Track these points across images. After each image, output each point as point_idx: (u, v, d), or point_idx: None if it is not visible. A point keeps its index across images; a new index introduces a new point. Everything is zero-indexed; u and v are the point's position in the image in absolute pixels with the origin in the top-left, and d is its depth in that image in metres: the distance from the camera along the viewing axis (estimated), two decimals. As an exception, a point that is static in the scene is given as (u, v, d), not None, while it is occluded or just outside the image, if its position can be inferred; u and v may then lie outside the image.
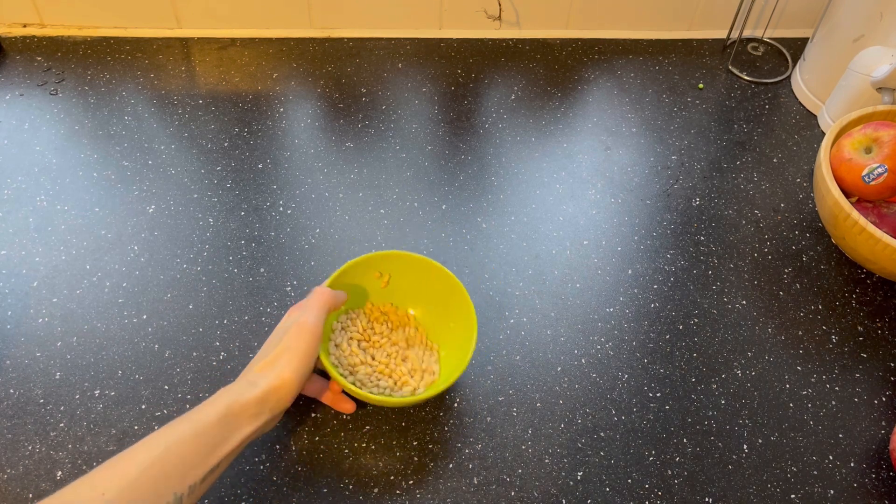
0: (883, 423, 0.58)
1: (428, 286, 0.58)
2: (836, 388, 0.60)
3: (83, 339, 0.59)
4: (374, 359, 0.57)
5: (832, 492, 0.54)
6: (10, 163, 0.72)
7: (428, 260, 0.58)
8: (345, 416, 0.56)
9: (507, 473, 0.54)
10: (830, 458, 0.56)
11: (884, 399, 0.60)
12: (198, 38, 0.87)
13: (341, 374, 0.54)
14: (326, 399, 0.55)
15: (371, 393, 0.53)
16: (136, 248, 0.66)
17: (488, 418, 0.57)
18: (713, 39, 0.92)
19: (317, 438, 0.55)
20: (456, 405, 0.57)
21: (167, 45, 0.86)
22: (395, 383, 0.55)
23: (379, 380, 0.55)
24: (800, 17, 0.93)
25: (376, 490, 0.52)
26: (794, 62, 0.89)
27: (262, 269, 0.65)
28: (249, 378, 0.47)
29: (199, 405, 0.45)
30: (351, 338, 0.57)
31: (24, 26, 0.86)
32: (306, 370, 0.48)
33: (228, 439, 0.44)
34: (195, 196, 0.70)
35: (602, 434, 0.56)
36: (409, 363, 0.57)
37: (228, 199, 0.70)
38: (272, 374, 0.46)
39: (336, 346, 0.56)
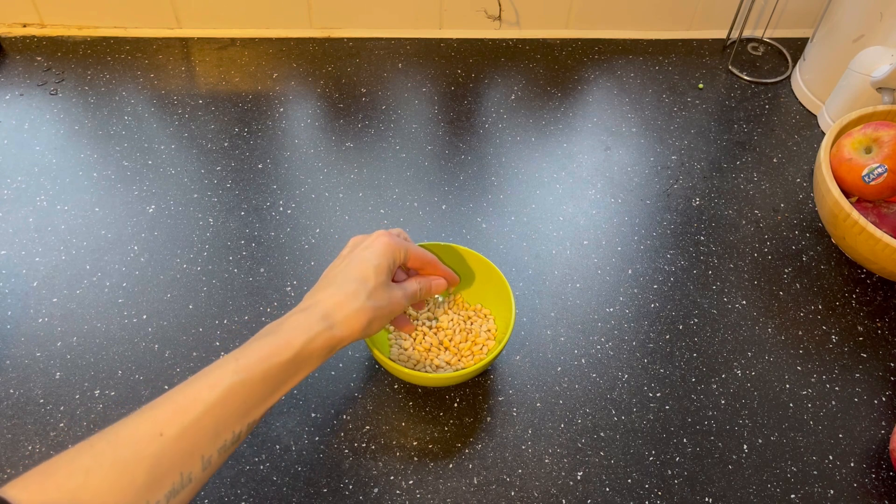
0: (883, 423, 0.58)
1: (466, 272, 0.61)
2: (836, 388, 0.60)
3: (83, 339, 0.59)
4: (441, 344, 0.59)
5: (832, 492, 0.54)
6: (10, 163, 0.72)
7: (459, 247, 0.60)
8: (345, 417, 0.56)
9: (507, 473, 0.54)
10: (830, 458, 0.56)
11: (884, 399, 0.60)
12: (198, 38, 0.87)
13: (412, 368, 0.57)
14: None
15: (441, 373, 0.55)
16: (136, 248, 0.66)
17: (488, 418, 0.57)
18: (713, 39, 0.93)
19: (317, 438, 0.55)
20: (456, 405, 0.57)
21: (167, 45, 0.86)
22: (462, 358, 0.58)
23: (447, 361, 0.58)
24: (800, 17, 0.93)
25: (376, 490, 0.52)
26: (794, 62, 0.89)
27: (262, 269, 0.65)
28: (323, 313, 0.44)
29: (269, 336, 0.42)
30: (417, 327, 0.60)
31: (24, 26, 0.86)
32: (378, 316, 0.46)
33: (295, 377, 0.43)
34: (195, 196, 0.70)
35: (602, 434, 0.56)
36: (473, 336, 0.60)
37: (228, 199, 0.70)
38: (348, 320, 0.44)
39: (400, 344, 0.59)
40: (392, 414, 0.57)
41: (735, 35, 0.92)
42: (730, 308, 0.65)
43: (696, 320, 0.64)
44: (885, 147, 0.64)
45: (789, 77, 0.88)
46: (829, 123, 0.80)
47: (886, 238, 0.60)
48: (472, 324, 0.60)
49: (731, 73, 0.88)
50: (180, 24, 0.87)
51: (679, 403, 0.58)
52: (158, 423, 0.37)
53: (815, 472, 0.55)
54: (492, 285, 0.59)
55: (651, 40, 0.92)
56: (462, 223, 0.70)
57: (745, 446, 0.56)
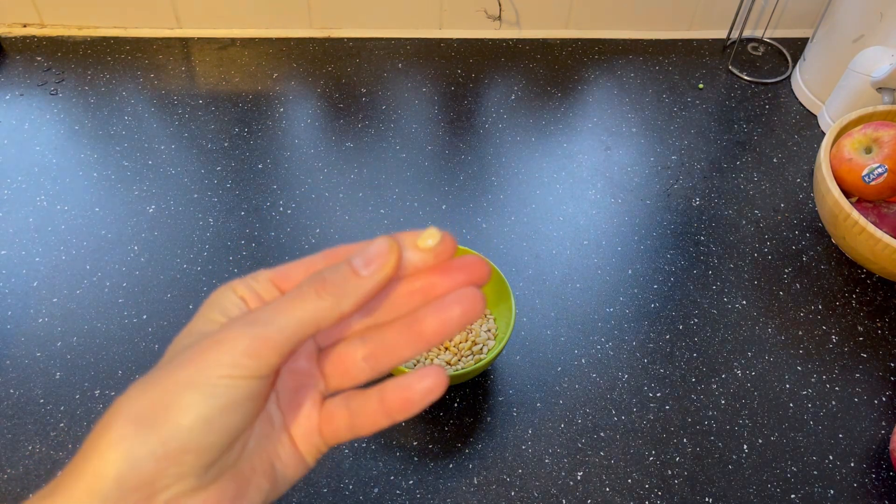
0: (883, 423, 0.58)
1: None
2: (836, 388, 0.60)
3: (83, 339, 0.59)
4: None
5: (832, 492, 0.54)
6: (10, 163, 0.72)
7: (459, 247, 0.60)
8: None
9: (507, 473, 0.54)
10: (830, 458, 0.56)
11: (884, 399, 0.60)
12: (198, 38, 0.87)
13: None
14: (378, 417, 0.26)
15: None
16: (136, 248, 0.66)
17: (488, 418, 0.57)
18: (713, 39, 0.92)
19: (317, 438, 0.55)
20: (456, 405, 0.57)
21: (167, 45, 0.86)
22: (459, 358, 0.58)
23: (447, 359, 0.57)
24: (800, 17, 0.93)
25: (376, 490, 0.52)
26: (794, 62, 0.89)
27: (262, 270, 0.65)
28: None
29: None
30: None
31: (24, 26, 0.86)
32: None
33: None
34: (195, 196, 0.70)
35: (602, 434, 0.56)
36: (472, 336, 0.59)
37: (228, 199, 0.70)
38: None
39: None
40: (392, 414, 0.57)
41: (735, 35, 0.92)
42: (730, 308, 0.65)
43: (696, 320, 0.64)
44: (885, 147, 0.64)
45: (789, 77, 0.88)
46: (829, 123, 0.80)
47: (886, 238, 0.60)
48: (471, 324, 0.60)
49: (732, 73, 0.88)
50: (180, 24, 0.87)
51: (679, 403, 0.58)
52: None
53: (816, 473, 0.55)
54: (492, 285, 0.59)
55: (651, 40, 0.91)
56: (462, 223, 0.70)
57: (745, 446, 0.56)
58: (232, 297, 0.26)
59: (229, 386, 0.22)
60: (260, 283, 0.27)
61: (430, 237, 0.25)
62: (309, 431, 0.26)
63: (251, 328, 0.22)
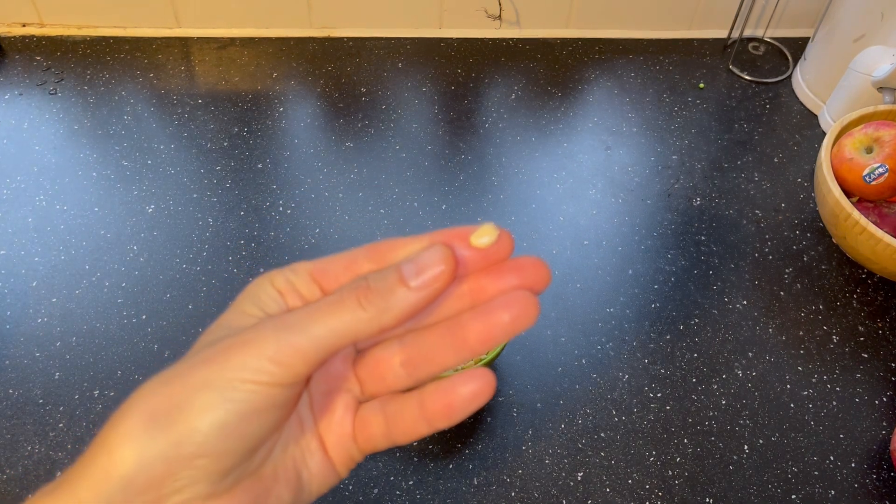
0: (884, 424, 0.58)
1: None
2: (837, 389, 0.60)
3: (83, 339, 0.59)
4: None
5: (833, 492, 0.54)
6: (10, 163, 0.72)
7: None
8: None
9: (507, 474, 0.54)
10: (831, 458, 0.56)
11: (885, 399, 0.60)
12: (197, 38, 0.87)
13: None
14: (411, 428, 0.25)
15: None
16: (135, 248, 0.66)
17: (488, 418, 0.57)
18: (714, 39, 0.92)
19: (316, 439, 0.55)
20: (456, 405, 0.57)
21: (167, 44, 0.86)
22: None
23: None
24: (800, 16, 0.93)
25: (376, 490, 0.52)
26: (795, 62, 0.89)
27: (261, 269, 0.64)
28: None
29: None
30: None
31: (24, 26, 0.86)
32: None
33: None
34: (195, 196, 0.70)
35: (602, 434, 0.56)
36: None
37: (228, 199, 0.70)
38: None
39: None
40: (392, 414, 0.56)
41: (736, 34, 0.92)
42: (730, 308, 0.65)
43: (696, 320, 0.64)
44: (885, 147, 0.64)
45: (790, 77, 0.88)
46: (829, 123, 0.80)
47: (887, 238, 0.60)
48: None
49: (732, 72, 0.88)
50: (180, 24, 0.87)
51: (680, 404, 0.58)
52: None
53: (816, 473, 0.55)
54: None
55: (651, 40, 0.91)
56: (462, 223, 0.70)
57: (745, 447, 0.56)
58: (269, 289, 0.24)
59: (250, 391, 0.20)
60: (299, 276, 0.25)
61: (485, 234, 0.23)
62: (342, 438, 0.25)
63: (281, 333, 0.21)
